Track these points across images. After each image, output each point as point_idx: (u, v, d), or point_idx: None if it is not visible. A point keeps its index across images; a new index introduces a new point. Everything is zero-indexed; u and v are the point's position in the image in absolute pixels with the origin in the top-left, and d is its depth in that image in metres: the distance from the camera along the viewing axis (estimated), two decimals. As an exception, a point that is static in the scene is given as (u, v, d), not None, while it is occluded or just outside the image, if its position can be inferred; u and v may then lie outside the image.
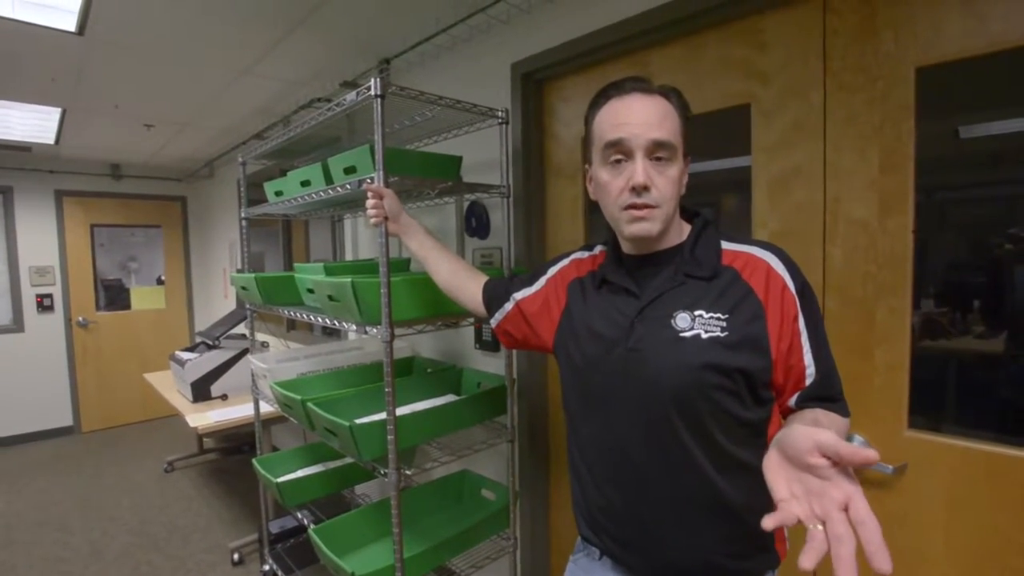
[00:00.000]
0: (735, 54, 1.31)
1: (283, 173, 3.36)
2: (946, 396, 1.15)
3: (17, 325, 4.19)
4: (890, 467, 1.10)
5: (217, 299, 4.79)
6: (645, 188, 0.77)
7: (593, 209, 1.71)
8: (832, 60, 1.16)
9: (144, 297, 4.88)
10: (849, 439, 1.15)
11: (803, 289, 0.79)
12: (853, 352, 1.15)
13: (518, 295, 1.05)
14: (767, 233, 1.27)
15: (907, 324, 1.10)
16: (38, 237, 4.26)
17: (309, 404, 1.49)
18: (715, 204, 1.48)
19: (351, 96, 1.32)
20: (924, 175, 1.07)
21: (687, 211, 0.89)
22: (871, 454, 0.52)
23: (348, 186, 1.39)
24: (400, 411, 1.39)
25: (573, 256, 1.01)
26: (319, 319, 1.61)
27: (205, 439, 3.90)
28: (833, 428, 0.73)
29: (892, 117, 1.09)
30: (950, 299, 1.13)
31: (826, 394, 0.79)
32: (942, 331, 1.13)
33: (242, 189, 2.13)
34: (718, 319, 0.76)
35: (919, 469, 1.09)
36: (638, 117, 0.77)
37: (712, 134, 1.40)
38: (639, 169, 0.77)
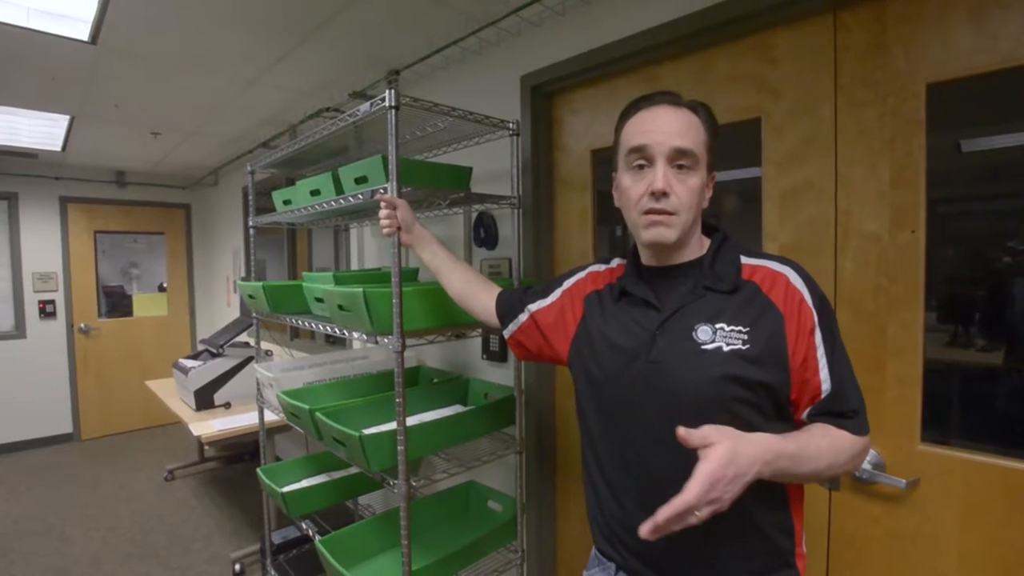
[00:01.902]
0: (746, 69, 1.32)
1: (289, 181, 3.38)
2: (959, 410, 1.15)
3: (19, 331, 4.18)
4: (903, 481, 1.09)
5: (220, 307, 4.79)
6: (664, 194, 0.79)
7: (601, 220, 1.72)
8: (843, 75, 1.17)
9: (146, 304, 4.88)
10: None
11: (821, 304, 0.79)
12: (865, 365, 1.15)
13: (533, 307, 1.05)
14: (778, 246, 1.28)
15: (919, 337, 1.10)
16: (42, 243, 4.26)
17: (318, 414, 1.49)
18: (716, 214, 1.49)
19: (365, 107, 1.33)
20: (928, 187, 1.08)
21: (706, 225, 0.89)
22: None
23: (360, 196, 1.39)
24: (408, 421, 1.38)
25: (590, 269, 1.02)
26: (327, 328, 1.60)
27: (206, 447, 3.88)
28: (825, 441, 0.73)
29: (903, 132, 1.10)
30: (954, 312, 1.13)
31: (838, 409, 0.77)
32: (950, 344, 1.14)
33: (251, 198, 2.14)
34: (739, 332, 0.76)
35: (932, 483, 1.09)
36: (663, 125, 0.80)
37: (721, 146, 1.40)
38: (659, 175, 0.79)
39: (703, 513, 0.62)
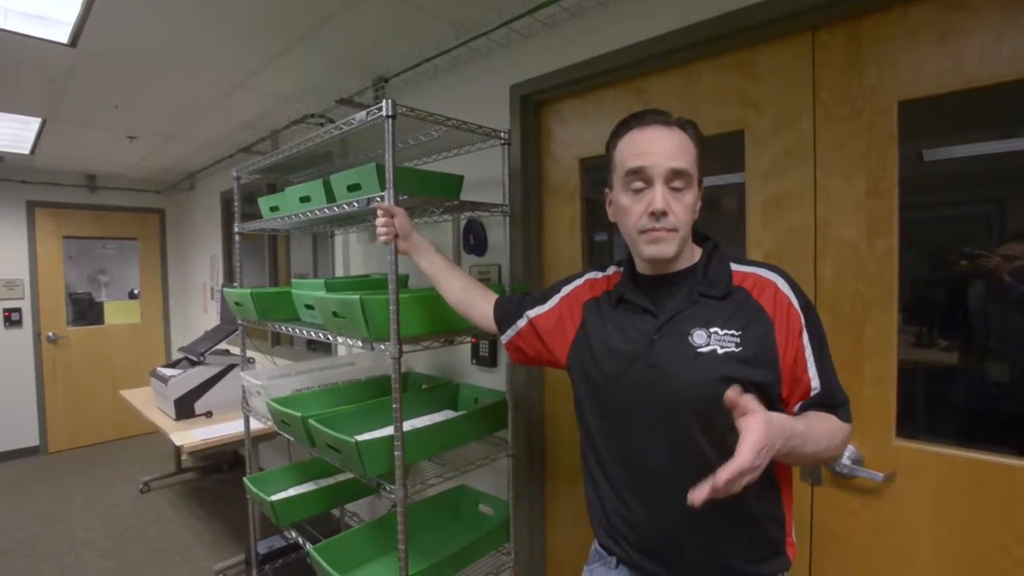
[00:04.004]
0: (729, 83, 1.38)
1: (270, 187, 3.34)
2: (927, 406, 1.22)
3: (-18, 341, 4.02)
4: (880, 475, 1.15)
5: (196, 314, 4.68)
6: (664, 213, 0.83)
7: (589, 227, 1.77)
8: (821, 91, 1.24)
9: (118, 311, 4.74)
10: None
11: (807, 307, 0.85)
12: (844, 366, 1.21)
13: (531, 312, 1.08)
14: (761, 253, 1.34)
15: (894, 339, 1.17)
16: (7, 250, 4.11)
17: (311, 421, 1.49)
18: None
19: (361, 116, 1.34)
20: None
21: (697, 235, 0.94)
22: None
23: (355, 204, 1.40)
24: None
25: (587, 276, 1.05)
26: (320, 335, 1.61)
27: (183, 457, 3.79)
28: (819, 425, 0.79)
29: (877, 146, 1.17)
30: (918, 314, 1.20)
31: (828, 403, 0.84)
32: (915, 344, 1.21)
33: (236, 204, 2.12)
34: (732, 335, 0.81)
35: (907, 477, 1.15)
36: (658, 147, 0.83)
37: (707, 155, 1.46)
38: (658, 196, 0.82)
39: (745, 480, 0.65)
